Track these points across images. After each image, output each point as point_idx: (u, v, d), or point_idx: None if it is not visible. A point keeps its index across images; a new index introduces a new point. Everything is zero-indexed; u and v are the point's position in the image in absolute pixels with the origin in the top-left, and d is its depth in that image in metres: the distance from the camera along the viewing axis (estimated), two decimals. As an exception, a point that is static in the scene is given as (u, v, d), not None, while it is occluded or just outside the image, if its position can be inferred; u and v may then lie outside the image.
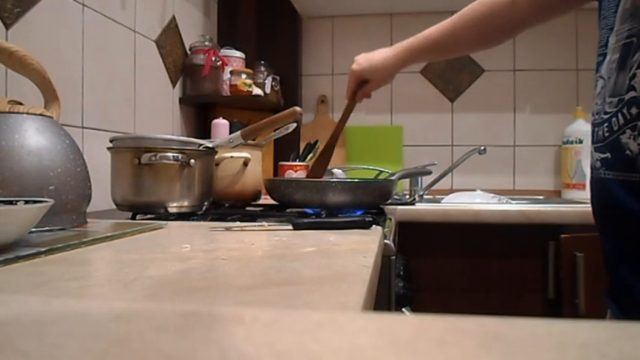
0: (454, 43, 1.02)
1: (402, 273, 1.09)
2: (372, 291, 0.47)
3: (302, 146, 1.66)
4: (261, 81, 1.75)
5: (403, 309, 1.01)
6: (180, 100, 1.67)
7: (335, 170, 1.56)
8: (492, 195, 1.62)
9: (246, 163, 1.14)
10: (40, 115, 0.73)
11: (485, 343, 0.22)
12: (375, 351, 0.22)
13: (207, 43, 1.67)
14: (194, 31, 1.76)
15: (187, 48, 1.69)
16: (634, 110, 0.56)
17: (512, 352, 0.21)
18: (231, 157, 1.11)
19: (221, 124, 1.53)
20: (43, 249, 0.53)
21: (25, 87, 0.78)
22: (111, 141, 0.95)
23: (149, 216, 0.93)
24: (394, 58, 1.08)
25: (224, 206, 1.14)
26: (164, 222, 0.82)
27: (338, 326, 0.26)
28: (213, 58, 1.64)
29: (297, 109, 0.99)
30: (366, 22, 2.03)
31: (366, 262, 0.52)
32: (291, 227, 0.78)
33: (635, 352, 0.22)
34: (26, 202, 0.59)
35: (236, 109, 1.76)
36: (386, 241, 0.83)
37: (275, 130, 1.13)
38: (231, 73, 1.68)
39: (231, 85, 1.68)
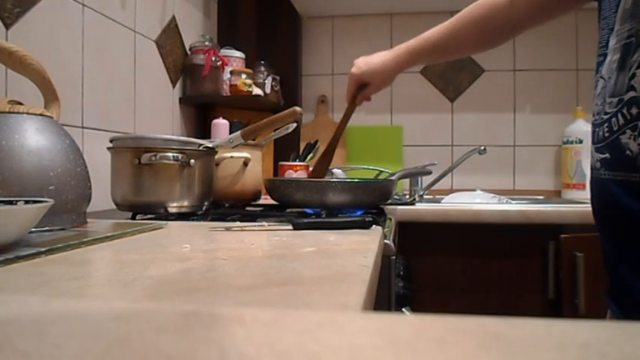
0: (453, 45, 1.03)
1: (402, 273, 1.09)
2: (372, 291, 0.47)
3: (302, 146, 1.66)
4: (261, 81, 1.75)
5: (403, 309, 1.01)
6: (180, 100, 1.67)
7: (335, 170, 1.56)
8: (492, 195, 1.62)
9: (246, 163, 1.14)
10: (40, 115, 0.73)
11: (485, 343, 0.22)
12: (375, 351, 0.22)
13: (207, 43, 1.67)
14: (194, 31, 1.76)
15: (187, 48, 1.69)
16: (634, 110, 0.56)
17: (512, 352, 0.21)
18: (231, 157, 1.11)
19: (221, 124, 1.53)
20: (43, 249, 0.53)
21: (25, 87, 0.78)
22: (111, 141, 0.95)
23: (149, 216, 0.93)
24: (393, 61, 1.08)
25: (224, 206, 1.14)
26: (164, 222, 0.82)
27: (338, 326, 0.26)
28: (213, 58, 1.64)
29: (297, 109, 0.99)
30: (366, 22, 2.03)
31: (366, 262, 0.52)
32: (291, 227, 0.78)
33: (635, 352, 0.22)
34: (26, 202, 0.59)
35: (236, 109, 1.76)
36: (386, 241, 0.83)
37: (275, 130, 1.13)
38: (231, 73, 1.68)
39: (231, 85, 1.68)
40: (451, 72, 1.98)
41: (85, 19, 1.17)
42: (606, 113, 0.61)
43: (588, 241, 1.17)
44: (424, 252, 1.32)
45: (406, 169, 1.71)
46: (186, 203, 0.93)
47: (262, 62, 1.81)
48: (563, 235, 1.25)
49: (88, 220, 0.78)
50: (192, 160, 0.91)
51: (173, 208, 0.91)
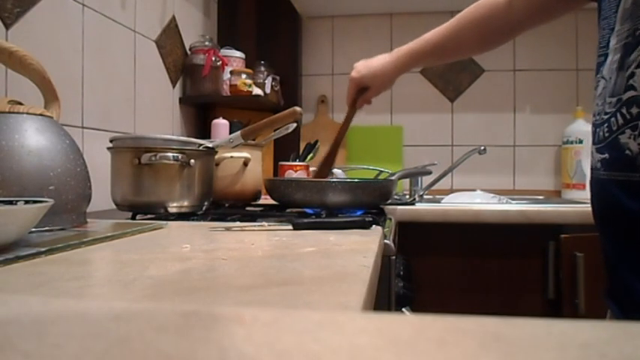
0: (453, 47, 1.03)
1: (402, 273, 1.09)
2: (372, 291, 0.47)
3: (302, 146, 1.66)
4: (261, 81, 1.75)
5: (403, 309, 1.01)
6: (180, 100, 1.67)
7: (335, 170, 1.56)
8: (492, 195, 1.62)
9: (246, 163, 1.14)
10: (40, 115, 0.73)
11: (485, 343, 0.22)
12: (375, 351, 0.22)
13: (207, 43, 1.67)
14: (194, 31, 1.76)
15: (187, 48, 1.69)
16: (634, 110, 0.56)
17: (512, 352, 0.21)
18: (231, 157, 1.11)
19: (221, 124, 1.53)
20: (43, 249, 0.53)
21: (25, 87, 0.78)
22: (111, 141, 0.95)
23: (149, 216, 0.93)
24: (393, 63, 1.08)
25: (224, 206, 1.14)
26: (164, 222, 0.82)
27: (338, 326, 0.26)
28: (213, 58, 1.64)
29: (297, 109, 0.99)
30: (366, 22, 2.03)
31: (366, 262, 0.52)
32: (291, 227, 0.78)
33: (635, 352, 0.22)
34: (26, 202, 0.59)
35: (236, 109, 1.76)
36: (386, 241, 0.83)
37: (275, 130, 1.13)
38: (231, 73, 1.68)
39: (231, 85, 1.68)
40: (451, 72, 1.98)
41: (85, 19, 1.17)
42: (606, 113, 0.61)
43: (588, 241, 1.17)
44: (424, 252, 1.32)
45: (406, 169, 1.71)
46: (186, 203, 0.93)
47: (262, 62, 1.81)
48: (563, 235, 1.25)
49: (88, 220, 0.78)
50: (192, 160, 0.91)
51: (173, 208, 0.91)
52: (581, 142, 1.78)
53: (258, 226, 0.80)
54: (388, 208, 1.26)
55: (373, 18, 2.03)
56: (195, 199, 0.94)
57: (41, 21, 1.03)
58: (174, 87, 1.63)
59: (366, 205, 1.05)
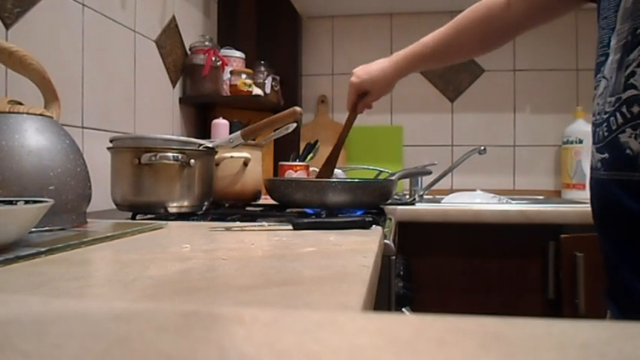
0: (452, 49, 1.03)
1: (402, 273, 1.09)
2: (372, 291, 0.47)
3: (302, 146, 1.66)
4: (261, 81, 1.75)
5: (403, 309, 1.01)
6: (180, 100, 1.67)
7: (335, 170, 1.56)
8: (492, 195, 1.62)
9: (246, 163, 1.14)
10: (40, 115, 0.73)
11: (485, 343, 0.22)
12: (375, 351, 0.22)
13: (207, 43, 1.67)
14: (194, 31, 1.76)
15: (187, 48, 1.69)
16: (635, 109, 0.56)
17: (512, 352, 0.21)
18: (231, 157, 1.11)
19: (221, 124, 1.53)
20: (43, 249, 0.53)
21: (25, 87, 0.78)
22: (111, 141, 0.95)
23: (149, 216, 0.93)
24: (392, 68, 1.09)
25: (224, 206, 1.14)
26: (164, 222, 0.82)
27: (338, 326, 0.26)
28: (213, 58, 1.64)
29: (297, 109, 0.99)
30: (366, 22, 2.03)
31: (366, 262, 0.52)
32: (291, 227, 0.78)
33: (635, 352, 0.22)
34: (26, 202, 0.59)
35: (236, 109, 1.76)
36: (386, 241, 0.83)
37: (275, 130, 1.13)
38: (231, 73, 1.68)
39: (231, 85, 1.68)
40: (451, 72, 1.98)
41: (85, 19, 1.17)
42: (606, 113, 0.61)
43: (588, 241, 1.17)
44: (424, 252, 1.32)
45: (406, 169, 1.71)
46: (186, 203, 0.93)
47: (262, 62, 1.81)
48: (563, 235, 1.25)
49: (88, 220, 0.78)
50: (192, 160, 0.91)
51: (173, 208, 0.91)
52: (581, 142, 1.78)
53: (258, 226, 0.80)
54: (388, 208, 1.26)
55: (373, 18, 2.03)
56: (195, 199, 0.94)
57: (41, 21, 1.03)
58: (174, 87, 1.63)
59: (366, 205, 1.05)
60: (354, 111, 1.16)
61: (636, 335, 0.24)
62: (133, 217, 0.92)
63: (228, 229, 0.77)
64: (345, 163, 1.91)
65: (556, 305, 1.25)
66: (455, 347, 0.22)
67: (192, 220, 0.91)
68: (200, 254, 0.56)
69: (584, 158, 1.76)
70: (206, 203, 0.98)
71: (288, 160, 1.51)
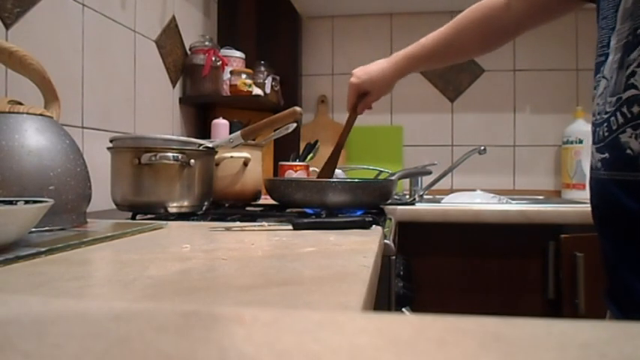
0: (452, 50, 1.03)
1: (402, 273, 1.09)
2: (372, 291, 0.47)
3: (302, 146, 1.66)
4: (261, 81, 1.75)
5: (403, 309, 1.01)
6: (180, 100, 1.67)
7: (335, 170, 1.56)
8: (492, 195, 1.62)
9: (246, 163, 1.14)
10: (40, 115, 0.73)
11: (485, 343, 0.22)
12: (375, 351, 0.22)
13: (207, 43, 1.67)
14: (194, 31, 1.76)
15: (187, 48, 1.69)
16: (635, 109, 0.56)
17: (512, 352, 0.21)
18: (231, 157, 1.11)
19: (221, 124, 1.53)
20: (43, 249, 0.53)
21: (25, 87, 0.78)
22: (111, 141, 0.95)
23: (149, 216, 0.93)
24: (392, 68, 1.09)
25: (224, 206, 1.14)
26: (164, 222, 0.82)
27: (338, 326, 0.26)
28: (213, 58, 1.64)
29: (297, 109, 0.99)
30: (366, 22, 2.03)
31: (366, 262, 0.52)
32: (291, 227, 0.78)
33: (635, 352, 0.22)
34: (26, 202, 0.59)
35: (236, 109, 1.76)
36: (386, 241, 0.83)
37: (275, 130, 1.13)
38: (231, 73, 1.68)
39: (231, 85, 1.68)
40: (451, 72, 1.98)
41: (85, 19, 1.17)
42: (606, 112, 0.61)
43: (588, 241, 1.17)
44: (424, 252, 1.32)
45: (406, 169, 1.71)
46: (186, 203, 0.93)
47: (262, 62, 1.81)
48: (563, 235, 1.25)
49: (88, 220, 0.78)
50: (192, 160, 0.91)
51: (173, 208, 0.91)
52: (581, 142, 1.78)
53: (258, 226, 0.80)
54: (388, 208, 1.26)
55: (373, 18, 2.03)
56: (195, 199, 0.94)
57: (41, 21, 1.03)
58: (174, 87, 1.63)
59: (366, 205, 1.05)
60: (355, 112, 1.16)
61: (636, 335, 0.24)
62: (133, 217, 0.92)
63: (228, 229, 0.77)
64: (345, 163, 1.91)
65: (556, 305, 1.25)
66: (455, 347, 0.22)
67: (192, 220, 0.91)
68: (200, 254, 0.56)
69: (584, 158, 1.76)
70: (206, 203, 0.98)
71: (288, 160, 1.51)
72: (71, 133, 0.77)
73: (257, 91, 1.69)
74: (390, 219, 1.06)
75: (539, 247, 1.29)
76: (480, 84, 1.98)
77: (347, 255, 0.57)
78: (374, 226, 0.80)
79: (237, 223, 0.85)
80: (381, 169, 1.54)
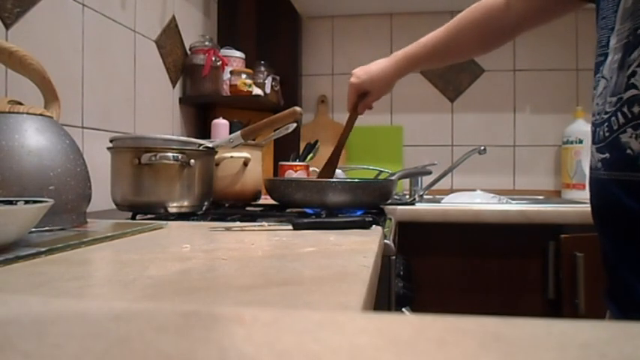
0: (452, 49, 1.03)
1: (402, 273, 1.09)
2: (372, 291, 0.47)
3: (302, 146, 1.66)
4: (261, 81, 1.75)
5: (403, 309, 1.01)
6: (180, 100, 1.67)
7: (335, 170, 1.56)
8: (492, 195, 1.62)
9: (246, 163, 1.14)
10: (40, 115, 0.73)
11: (485, 343, 0.22)
12: (375, 351, 0.22)
13: (207, 43, 1.67)
14: (194, 31, 1.76)
15: (187, 48, 1.69)
16: (636, 109, 0.56)
17: (512, 352, 0.21)
18: (231, 157, 1.11)
19: (221, 124, 1.53)
20: (43, 249, 0.53)
21: (25, 87, 0.78)
22: (111, 141, 0.95)
23: (149, 216, 0.93)
24: (392, 67, 1.09)
25: (224, 206, 1.14)
26: (164, 222, 0.82)
27: (338, 326, 0.26)
28: (213, 58, 1.64)
29: (297, 109, 0.99)
30: (366, 22, 2.03)
31: (366, 262, 0.52)
32: (291, 227, 0.78)
33: (635, 352, 0.22)
34: (26, 202, 0.59)
35: (236, 109, 1.76)
36: (386, 241, 0.83)
37: (275, 130, 1.13)
38: (231, 73, 1.68)
39: (231, 85, 1.68)
40: (451, 72, 1.98)
41: (85, 19, 1.17)
42: (606, 113, 0.61)
43: (588, 241, 1.17)
44: (424, 252, 1.32)
45: (406, 169, 1.71)
46: (186, 203, 0.93)
47: (262, 62, 1.81)
48: (563, 235, 1.25)
49: (88, 220, 0.78)
50: (192, 160, 0.91)
51: (173, 208, 0.91)
52: (581, 142, 1.78)
53: (258, 226, 0.80)
54: (388, 208, 1.26)
55: (373, 18, 2.03)
56: (195, 199, 0.94)
57: (41, 21, 1.03)
58: (174, 87, 1.63)
59: (366, 205, 1.05)
60: (355, 112, 1.16)
61: (636, 335, 0.24)
62: (133, 217, 0.92)
63: (228, 229, 0.77)
64: (345, 163, 1.91)
65: (556, 305, 1.25)
66: (455, 347, 0.22)
67: (192, 220, 0.91)
68: (200, 254, 0.56)
69: (584, 158, 1.76)
70: (206, 203, 0.98)
71: (288, 160, 1.51)
72: (71, 133, 0.77)
73: (257, 91, 1.69)
74: (390, 219, 1.06)
75: (539, 247, 1.29)
76: (480, 84, 1.98)
77: (347, 255, 0.57)
78: (374, 226, 0.80)
79: (237, 223, 0.85)
80: (381, 169, 1.54)
